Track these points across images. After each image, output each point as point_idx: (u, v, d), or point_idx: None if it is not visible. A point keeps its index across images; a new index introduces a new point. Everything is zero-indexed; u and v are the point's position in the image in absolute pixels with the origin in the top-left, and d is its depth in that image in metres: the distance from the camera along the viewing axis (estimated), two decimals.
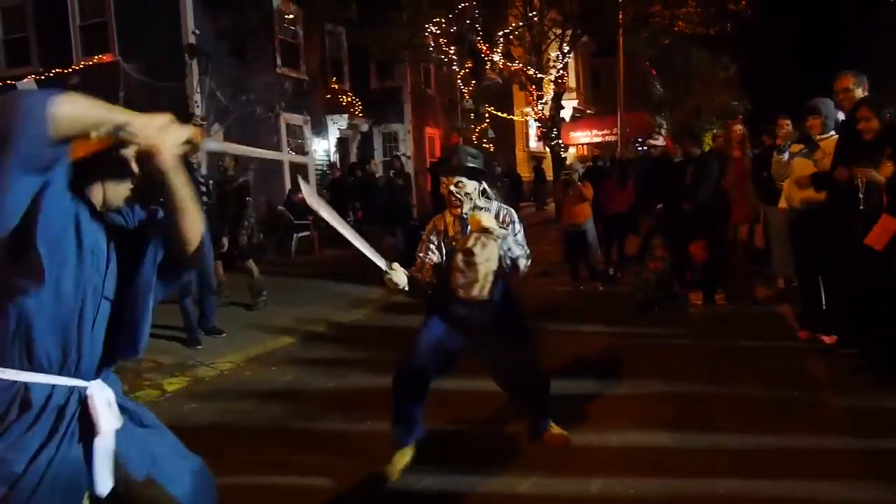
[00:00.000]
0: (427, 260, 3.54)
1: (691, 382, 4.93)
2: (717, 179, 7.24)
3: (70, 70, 13.23)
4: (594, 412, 4.46)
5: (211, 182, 7.27)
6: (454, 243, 3.47)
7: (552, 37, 19.98)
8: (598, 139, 26.40)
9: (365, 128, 18.16)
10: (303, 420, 4.72)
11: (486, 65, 19.63)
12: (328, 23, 16.62)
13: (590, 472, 3.56)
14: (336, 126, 16.80)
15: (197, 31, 12.67)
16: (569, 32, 19.54)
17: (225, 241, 7.27)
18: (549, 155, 21.70)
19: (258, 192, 13.17)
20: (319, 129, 16.31)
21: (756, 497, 3.23)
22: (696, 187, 7.07)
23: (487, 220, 3.29)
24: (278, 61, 14.91)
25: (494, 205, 3.55)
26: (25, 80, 12.69)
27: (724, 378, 5.02)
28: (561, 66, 19.51)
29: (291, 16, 15.37)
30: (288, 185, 14.25)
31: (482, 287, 3.34)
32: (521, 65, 19.39)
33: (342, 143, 17.48)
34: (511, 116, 24.02)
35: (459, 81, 19.04)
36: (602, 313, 7.49)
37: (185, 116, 12.08)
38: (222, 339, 6.81)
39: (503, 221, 3.46)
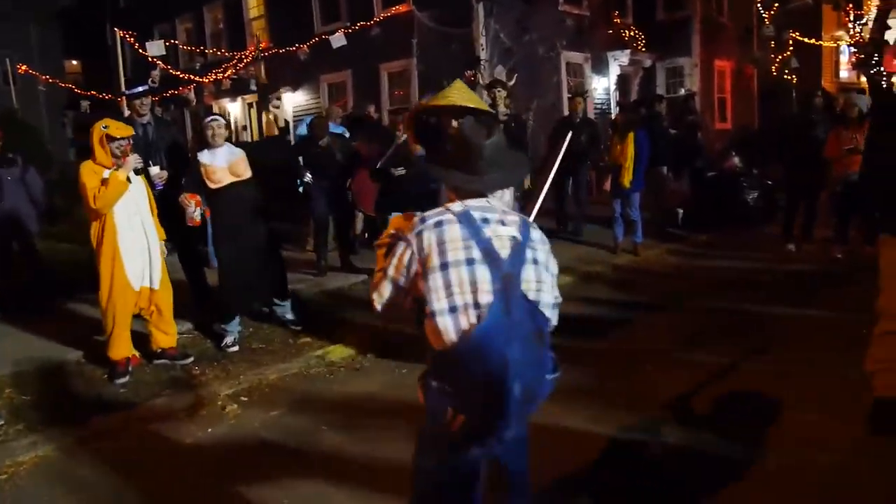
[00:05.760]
0: None
1: None
2: None
3: (371, 22, 14.44)
4: None
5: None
6: None
7: None
8: None
9: (648, 63, 17.22)
10: (583, 356, 4.75)
11: None
12: None
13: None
14: (617, 63, 16.17)
15: None
16: None
17: (526, 179, 7.17)
18: (865, 85, 18.65)
19: (537, 132, 13.30)
20: (600, 67, 15.85)
21: None
22: None
23: None
24: None
25: None
26: (337, 34, 14.18)
27: None
28: None
29: None
30: None
31: None
32: None
33: (623, 81, 16.82)
34: (819, 42, 21.02)
35: (759, 5, 17.04)
36: None
37: (471, 59, 12.54)
38: None
39: None
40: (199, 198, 5.02)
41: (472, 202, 2.13)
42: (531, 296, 2.04)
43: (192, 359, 4.96)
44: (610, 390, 4.14)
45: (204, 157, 5.06)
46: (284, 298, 5.55)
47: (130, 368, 4.72)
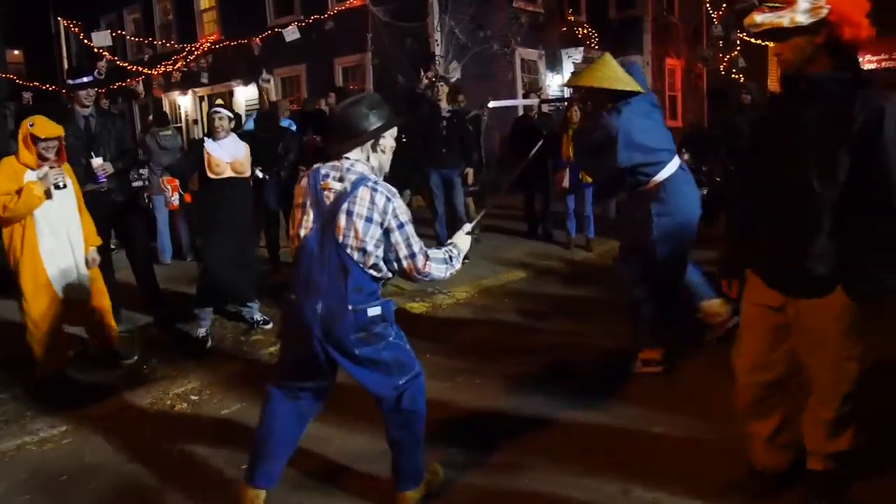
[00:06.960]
0: None
1: None
2: None
3: (325, 16, 14.28)
4: None
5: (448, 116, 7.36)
6: None
7: None
8: (873, 65, 22.77)
9: None
10: (537, 349, 4.78)
11: None
12: None
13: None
14: (571, 59, 16.36)
15: None
16: None
17: (470, 173, 7.28)
18: None
19: (492, 128, 13.31)
20: (554, 64, 16.01)
21: None
22: None
23: None
24: None
25: None
26: (290, 28, 13.99)
27: None
28: None
29: None
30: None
31: None
32: None
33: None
34: (765, 42, 21.60)
35: (708, 6, 17.44)
36: None
37: (425, 55, 12.51)
38: (460, 268, 7.08)
39: None
40: (176, 182, 5.05)
41: (331, 162, 2.66)
42: (339, 239, 2.54)
43: (136, 358, 4.84)
44: (562, 382, 4.18)
45: (210, 145, 5.06)
46: (254, 299, 5.50)
47: (63, 379, 4.44)
